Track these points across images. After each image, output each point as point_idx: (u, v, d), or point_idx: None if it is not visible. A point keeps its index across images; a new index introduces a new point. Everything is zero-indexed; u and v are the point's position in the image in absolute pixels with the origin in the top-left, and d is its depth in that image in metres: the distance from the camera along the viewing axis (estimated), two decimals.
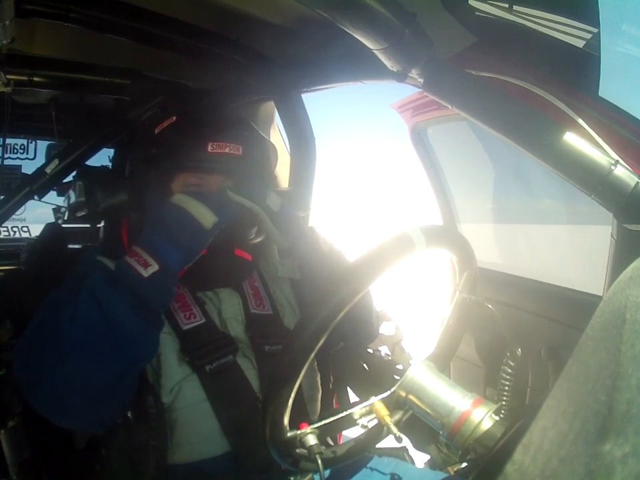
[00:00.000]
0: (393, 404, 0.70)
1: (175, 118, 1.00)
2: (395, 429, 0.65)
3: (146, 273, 0.80)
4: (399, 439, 0.65)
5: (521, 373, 0.82)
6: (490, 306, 0.78)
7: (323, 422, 0.65)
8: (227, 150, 0.96)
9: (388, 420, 0.65)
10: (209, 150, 0.94)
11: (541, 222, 1.76)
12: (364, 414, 0.67)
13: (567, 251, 1.65)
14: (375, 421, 0.67)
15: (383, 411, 0.66)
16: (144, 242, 0.84)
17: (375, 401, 0.67)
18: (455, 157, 1.94)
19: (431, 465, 1.16)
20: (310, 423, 0.64)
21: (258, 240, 1.07)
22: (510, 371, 0.80)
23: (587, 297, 1.33)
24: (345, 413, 0.66)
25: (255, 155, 1.02)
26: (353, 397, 1.24)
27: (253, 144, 1.02)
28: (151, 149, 0.99)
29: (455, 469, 0.82)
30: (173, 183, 0.98)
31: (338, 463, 0.74)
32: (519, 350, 0.79)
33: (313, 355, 0.59)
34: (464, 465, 0.79)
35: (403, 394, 0.68)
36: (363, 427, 0.66)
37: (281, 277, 1.15)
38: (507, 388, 0.80)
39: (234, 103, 1.70)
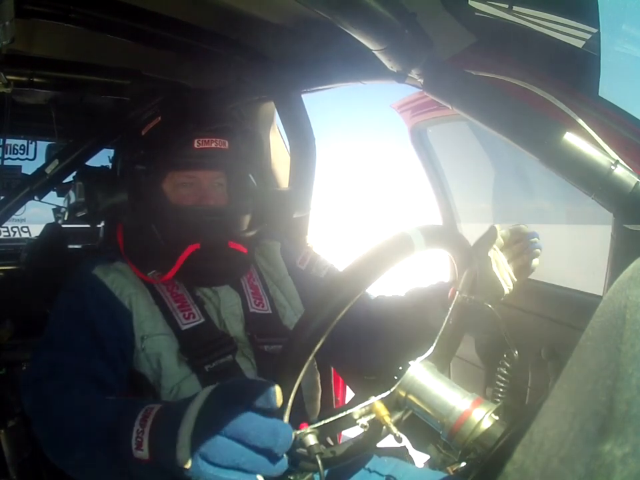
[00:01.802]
0: (393, 404, 0.69)
1: (160, 118, 1.01)
2: (394, 429, 0.65)
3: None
4: (398, 439, 0.65)
5: (517, 375, 0.82)
6: (490, 305, 0.78)
7: (323, 422, 0.65)
8: (213, 145, 0.97)
9: (388, 420, 0.65)
10: (195, 146, 0.95)
11: (541, 222, 1.76)
12: (364, 414, 0.66)
13: (568, 251, 1.65)
14: (375, 422, 0.67)
15: (383, 410, 0.66)
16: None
17: (375, 400, 0.67)
18: (455, 157, 1.94)
19: (431, 465, 1.16)
20: (309, 423, 0.64)
21: (252, 233, 1.07)
22: (506, 372, 0.80)
23: (587, 297, 1.33)
24: (344, 413, 0.66)
25: (243, 148, 1.02)
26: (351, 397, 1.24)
27: (239, 136, 1.02)
28: (138, 150, 0.99)
29: (454, 469, 0.82)
30: (164, 183, 0.99)
31: (337, 462, 0.74)
32: (516, 352, 0.79)
33: (312, 355, 0.59)
34: (463, 464, 0.79)
35: (403, 394, 0.68)
36: (363, 426, 0.65)
37: (283, 277, 1.15)
38: (502, 390, 0.80)
39: (234, 103, 1.70)
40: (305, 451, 0.62)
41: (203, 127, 0.97)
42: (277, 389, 0.58)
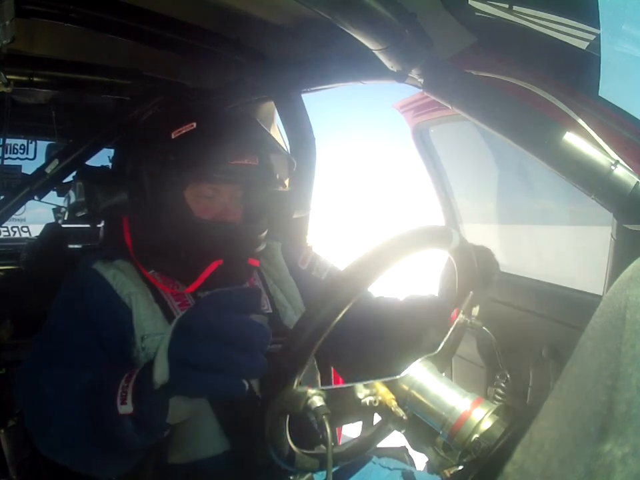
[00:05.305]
0: (397, 396, 0.69)
1: (194, 125, 0.96)
2: (401, 411, 0.64)
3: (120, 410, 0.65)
4: (403, 425, 0.65)
5: (511, 395, 0.83)
6: (487, 330, 0.79)
7: (330, 387, 0.64)
8: (245, 161, 0.95)
9: (394, 403, 0.65)
10: (230, 161, 0.94)
11: (543, 223, 1.76)
12: (368, 395, 0.66)
13: (570, 251, 1.65)
14: (381, 405, 0.66)
15: (388, 394, 0.66)
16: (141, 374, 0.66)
17: (380, 381, 0.67)
18: (458, 157, 1.94)
19: (429, 467, 1.16)
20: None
21: (264, 247, 1.07)
22: (501, 392, 0.80)
23: (587, 297, 1.34)
24: (349, 385, 0.65)
25: (270, 164, 1.02)
26: None
27: (269, 153, 1.02)
28: (167, 154, 0.95)
29: (451, 472, 0.82)
30: (186, 191, 0.97)
31: (338, 462, 0.74)
32: (508, 376, 0.80)
33: (313, 353, 0.59)
34: (461, 467, 0.79)
35: (407, 388, 0.68)
36: (365, 405, 0.65)
37: (284, 277, 1.15)
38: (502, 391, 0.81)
39: (234, 103, 1.70)
40: (312, 414, 0.61)
41: (241, 143, 0.96)
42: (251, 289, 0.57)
